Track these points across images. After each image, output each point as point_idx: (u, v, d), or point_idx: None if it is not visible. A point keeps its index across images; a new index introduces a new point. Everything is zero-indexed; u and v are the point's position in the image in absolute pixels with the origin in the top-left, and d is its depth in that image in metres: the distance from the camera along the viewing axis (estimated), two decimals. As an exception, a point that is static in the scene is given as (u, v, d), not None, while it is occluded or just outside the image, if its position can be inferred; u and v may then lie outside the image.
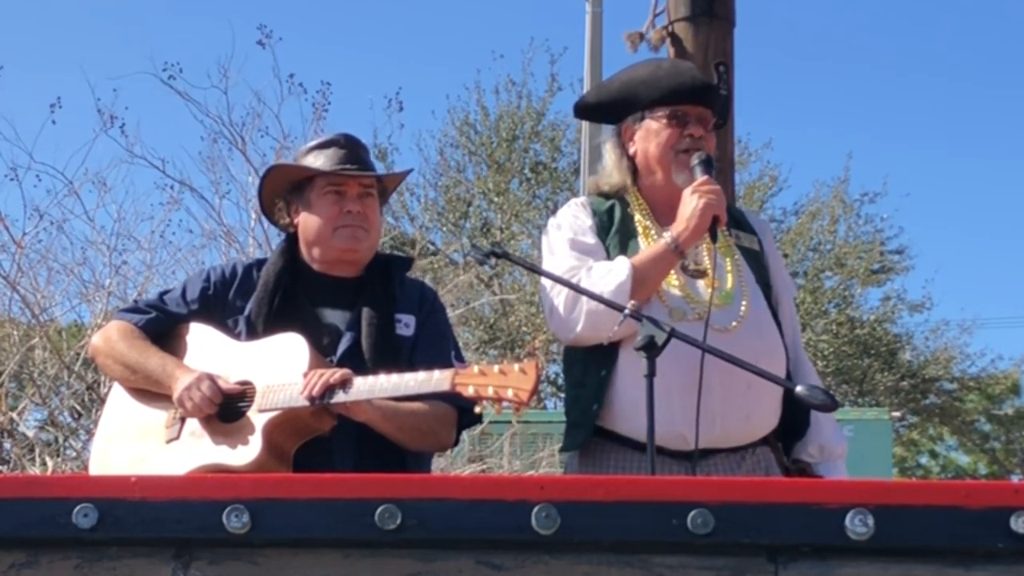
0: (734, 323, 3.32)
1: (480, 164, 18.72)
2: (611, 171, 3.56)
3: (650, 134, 3.49)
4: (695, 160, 3.40)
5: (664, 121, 3.47)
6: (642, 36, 4.52)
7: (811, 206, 19.72)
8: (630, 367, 3.28)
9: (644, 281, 3.30)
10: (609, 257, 3.39)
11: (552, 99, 18.29)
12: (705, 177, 3.36)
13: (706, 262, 3.40)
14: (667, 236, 3.34)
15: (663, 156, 3.45)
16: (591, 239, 3.44)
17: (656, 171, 3.47)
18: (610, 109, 3.63)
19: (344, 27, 35.39)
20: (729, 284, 3.40)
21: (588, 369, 3.41)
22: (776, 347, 3.39)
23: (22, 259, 8.15)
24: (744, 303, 3.38)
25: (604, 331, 3.28)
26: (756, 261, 3.51)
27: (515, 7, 34.64)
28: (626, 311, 3.15)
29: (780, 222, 19.39)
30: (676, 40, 4.80)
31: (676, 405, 3.22)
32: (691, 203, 3.33)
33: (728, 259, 3.45)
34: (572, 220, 3.51)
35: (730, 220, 3.47)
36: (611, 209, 3.51)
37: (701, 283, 3.37)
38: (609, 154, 3.59)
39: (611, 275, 3.31)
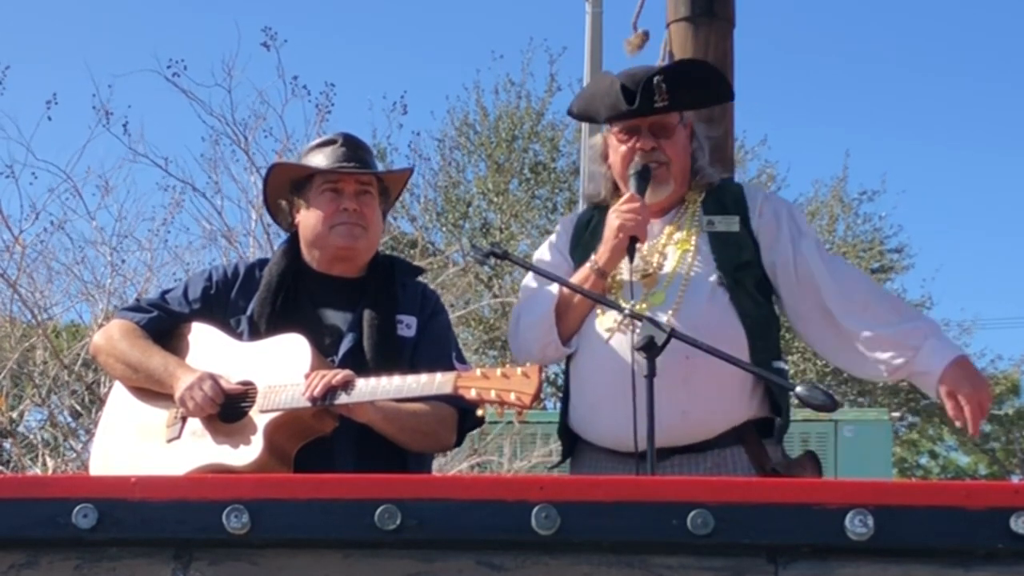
0: (663, 318, 3.24)
1: (479, 164, 18.73)
2: (589, 183, 3.64)
3: (613, 150, 3.54)
4: (630, 172, 3.44)
5: (618, 137, 3.51)
6: (645, 36, 4.54)
7: (810, 205, 19.69)
8: (579, 373, 3.44)
9: (570, 306, 3.40)
10: (575, 268, 3.46)
11: (551, 99, 18.29)
12: (628, 195, 3.40)
13: (655, 262, 3.41)
14: (591, 258, 3.40)
15: (622, 172, 3.50)
16: (550, 258, 3.56)
17: (623, 184, 3.51)
18: (591, 120, 3.72)
19: (343, 27, 35.39)
20: (667, 281, 3.37)
21: (565, 380, 3.57)
22: (721, 334, 3.24)
23: (23, 259, 8.15)
24: (678, 298, 3.33)
25: (535, 354, 3.41)
26: (729, 244, 3.42)
27: (514, 7, 34.65)
28: (626, 311, 3.21)
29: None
30: (674, 41, 4.79)
31: (600, 406, 3.31)
32: (610, 224, 3.38)
33: (679, 251, 3.41)
34: (550, 240, 3.67)
35: (712, 204, 3.47)
36: (591, 219, 3.58)
37: (643, 284, 3.39)
38: (590, 165, 3.66)
39: (540, 304, 3.44)
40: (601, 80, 3.65)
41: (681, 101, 3.48)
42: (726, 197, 3.51)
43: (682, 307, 3.31)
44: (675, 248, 3.42)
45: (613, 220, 3.37)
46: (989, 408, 3.29)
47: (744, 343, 3.31)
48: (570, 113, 3.86)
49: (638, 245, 3.35)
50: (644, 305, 3.31)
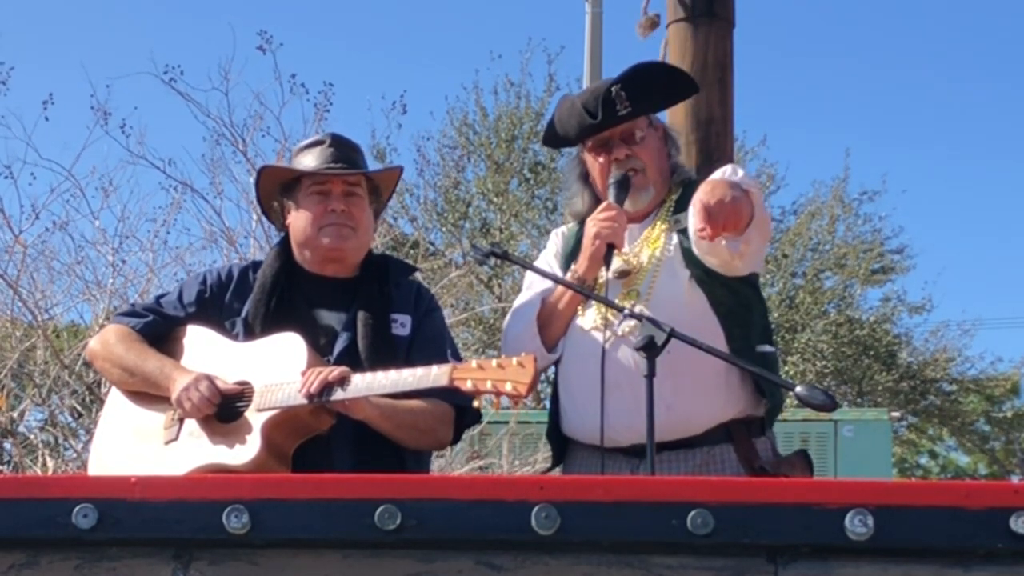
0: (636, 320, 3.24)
1: (479, 164, 18.72)
2: (573, 200, 3.65)
3: (592, 166, 3.57)
4: (609, 182, 3.48)
5: (592, 154, 3.54)
6: (656, 19, 4.60)
7: (810, 206, 19.69)
8: (564, 374, 3.47)
9: (553, 315, 3.45)
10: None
11: (550, 99, 18.25)
12: (605, 204, 3.43)
13: (632, 262, 3.44)
14: (572, 267, 3.45)
15: (604, 187, 3.52)
16: (545, 268, 3.58)
17: (606, 198, 3.52)
18: (565, 143, 3.75)
19: (343, 27, 35.41)
20: (639, 280, 3.40)
21: (553, 385, 3.59)
22: (693, 326, 3.21)
23: (23, 259, 8.14)
24: (648, 294, 3.37)
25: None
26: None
27: (513, 7, 34.65)
28: (625, 311, 3.24)
29: (779, 222, 19.33)
30: (674, 41, 4.80)
31: (586, 404, 3.31)
32: (587, 232, 3.42)
33: (651, 250, 3.44)
34: (544, 252, 3.72)
35: (684, 202, 3.44)
36: (578, 232, 3.59)
37: (621, 283, 3.41)
38: (572, 183, 3.66)
39: (525, 311, 3.49)
40: (563, 104, 3.68)
41: (643, 105, 3.52)
42: (693, 192, 3.49)
43: (651, 302, 3.34)
44: (648, 247, 3.46)
45: (590, 228, 3.41)
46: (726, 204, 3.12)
47: (719, 333, 3.34)
48: (547, 142, 3.89)
49: (616, 252, 3.38)
50: (622, 301, 3.34)
